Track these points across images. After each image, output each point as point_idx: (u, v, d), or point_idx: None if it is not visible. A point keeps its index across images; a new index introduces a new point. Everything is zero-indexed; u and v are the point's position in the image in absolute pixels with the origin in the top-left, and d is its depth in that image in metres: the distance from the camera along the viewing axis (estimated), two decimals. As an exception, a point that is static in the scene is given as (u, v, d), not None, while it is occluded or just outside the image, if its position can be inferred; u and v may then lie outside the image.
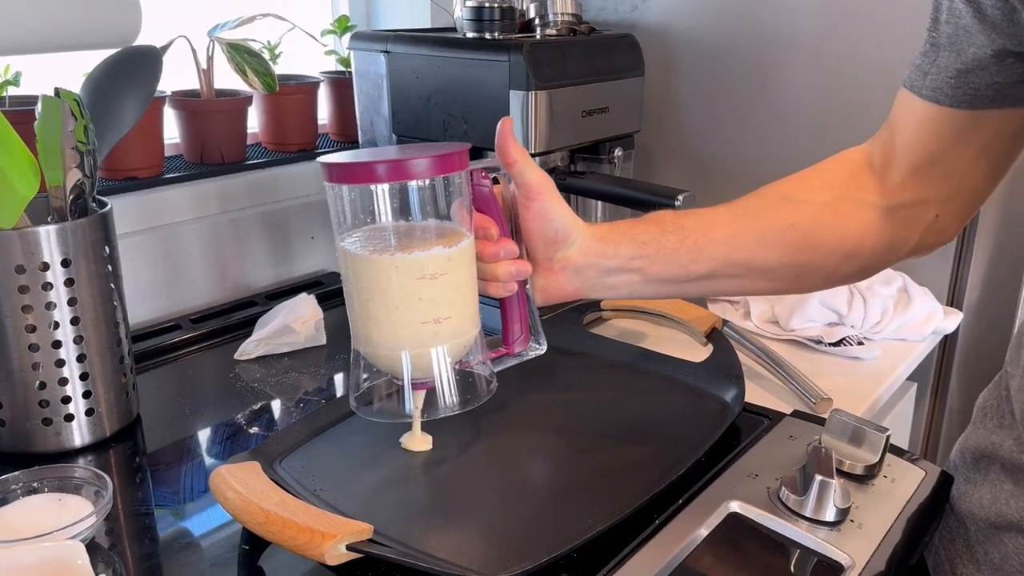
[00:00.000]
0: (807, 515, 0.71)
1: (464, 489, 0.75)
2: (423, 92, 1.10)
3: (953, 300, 1.26)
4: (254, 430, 0.87)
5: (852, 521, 0.71)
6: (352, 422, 0.84)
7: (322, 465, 0.77)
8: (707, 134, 1.36)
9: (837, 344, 1.09)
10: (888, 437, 0.77)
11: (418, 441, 0.79)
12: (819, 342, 1.09)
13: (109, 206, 0.83)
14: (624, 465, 0.77)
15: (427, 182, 0.67)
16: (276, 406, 0.92)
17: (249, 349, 1.01)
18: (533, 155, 1.03)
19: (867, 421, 0.79)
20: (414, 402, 0.72)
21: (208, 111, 1.19)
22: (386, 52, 1.12)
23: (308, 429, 0.82)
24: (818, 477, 0.71)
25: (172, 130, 1.21)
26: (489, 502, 0.73)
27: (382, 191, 0.67)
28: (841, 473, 0.76)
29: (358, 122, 1.21)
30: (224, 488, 0.66)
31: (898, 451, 0.80)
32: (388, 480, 0.76)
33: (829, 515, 0.71)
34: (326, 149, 1.33)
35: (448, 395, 0.70)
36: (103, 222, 0.81)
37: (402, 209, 0.68)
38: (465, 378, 0.73)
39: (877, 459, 0.76)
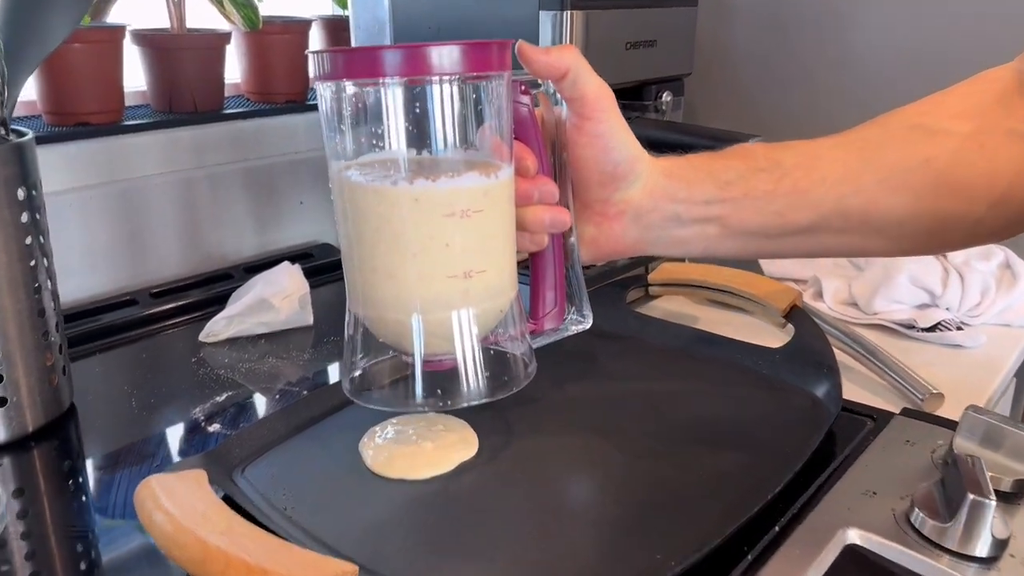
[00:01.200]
0: (952, 548, 0.52)
1: (487, 511, 0.56)
2: (433, 21, 0.91)
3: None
4: (214, 428, 0.68)
5: (1013, 556, 0.52)
6: (342, 417, 0.65)
7: (298, 475, 0.59)
8: (763, 86, 1.16)
9: (931, 329, 0.90)
10: (1050, 444, 0.58)
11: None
12: (911, 327, 0.90)
13: (30, 135, 0.64)
14: (696, 480, 0.59)
15: (454, 87, 0.49)
16: (246, 398, 0.73)
17: (217, 329, 0.82)
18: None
19: (1011, 420, 0.60)
20: (429, 387, 0.54)
21: (178, 48, 1.01)
22: (389, -26, 0.93)
23: (282, 427, 0.64)
24: (970, 496, 0.52)
25: (137, 76, 1.02)
26: (520, 529, 0.54)
27: (394, 92, 0.48)
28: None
29: (356, 63, 1.03)
30: (151, 508, 0.47)
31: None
32: (385, 498, 0.57)
33: (983, 548, 0.52)
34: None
35: (474, 377, 0.53)
36: (17, 155, 0.62)
37: (419, 125, 0.50)
38: (493, 358, 0.56)
39: (1036, 473, 0.57)
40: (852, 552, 0.53)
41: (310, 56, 0.50)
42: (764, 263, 1.04)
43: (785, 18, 1.14)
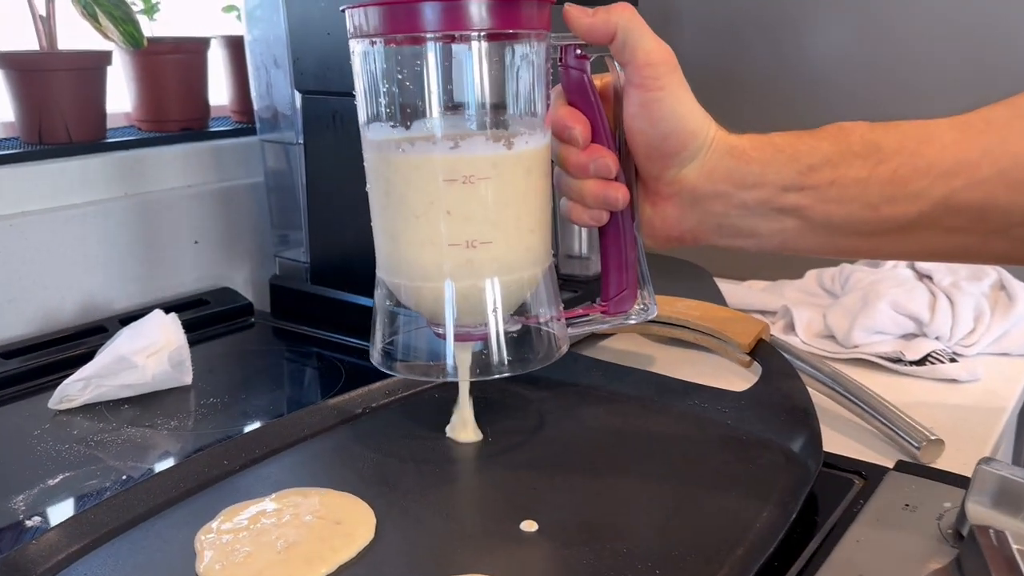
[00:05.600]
0: (979, 658, 0.39)
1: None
2: (331, 25, 0.79)
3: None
4: (33, 521, 0.53)
5: (1058, 666, 0.39)
6: (186, 508, 0.51)
7: (118, 586, 0.45)
8: (712, 95, 1.05)
9: (921, 362, 0.77)
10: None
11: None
12: (896, 360, 0.78)
13: None
14: (635, 568, 0.45)
15: (481, 44, 0.47)
16: (85, 481, 0.59)
17: (72, 393, 0.68)
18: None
19: (1034, 476, 0.48)
20: (458, 358, 0.53)
21: (47, 70, 0.87)
22: (281, -24, 0.82)
23: (110, 520, 0.49)
24: (999, 589, 0.39)
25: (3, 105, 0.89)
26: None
27: (414, 50, 0.48)
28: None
29: (251, 82, 0.90)
30: None
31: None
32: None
33: (1019, 656, 0.39)
34: (222, 128, 1.01)
35: (495, 350, 0.52)
36: None
37: (443, 86, 0.48)
38: (522, 333, 0.54)
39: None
40: (847, 667, 0.40)
41: (344, 11, 0.50)
42: (725, 290, 0.91)
43: (733, 23, 1.04)
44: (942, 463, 0.61)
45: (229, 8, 1.06)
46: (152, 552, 0.47)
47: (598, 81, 0.53)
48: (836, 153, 0.50)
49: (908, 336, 0.82)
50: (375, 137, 0.51)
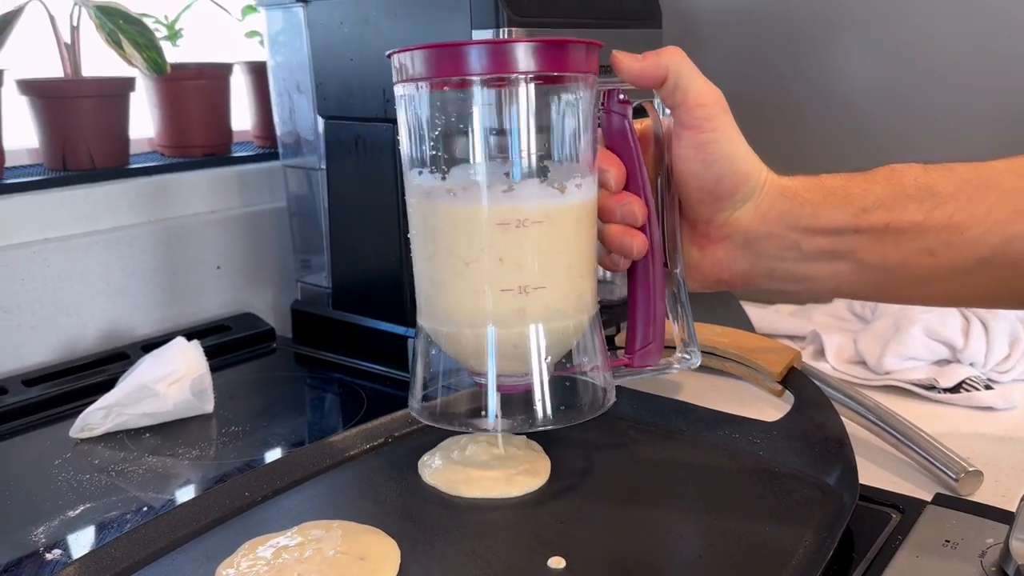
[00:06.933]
0: None
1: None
2: (354, 51, 0.79)
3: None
4: (54, 555, 0.53)
5: None
6: (206, 542, 0.50)
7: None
8: (738, 117, 1.04)
9: (955, 389, 0.75)
10: None
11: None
12: (930, 388, 0.76)
13: None
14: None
15: (530, 88, 0.47)
16: (106, 512, 0.58)
17: (93, 422, 0.68)
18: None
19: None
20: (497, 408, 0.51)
21: (71, 97, 0.88)
22: (304, 2, 0.81)
23: (131, 555, 0.48)
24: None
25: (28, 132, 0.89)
26: None
27: (465, 93, 0.47)
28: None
29: (274, 108, 0.90)
30: None
31: None
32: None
33: None
34: (245, 153, 1.01)
35: (541, 401, 0.50)
36: None
37: (491, 131, 0.48)
38: (565, 384, 0.53)
39: None
40: None
41: (389, 56, 0.50)
42: (753, 315, 0.90)
43: (761, 42, 1.03)
44: (981, 495, 0.59)
45: (252, 33, 1.07)
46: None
47: (636, 126, 0.53)
48: (890, 196, 0.49)
49: (941, 362, 0.80)
50: (422, 184, 0.50)
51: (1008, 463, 0.65)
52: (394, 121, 0.77)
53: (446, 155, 0.49)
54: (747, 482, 0.56)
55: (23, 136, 0.91)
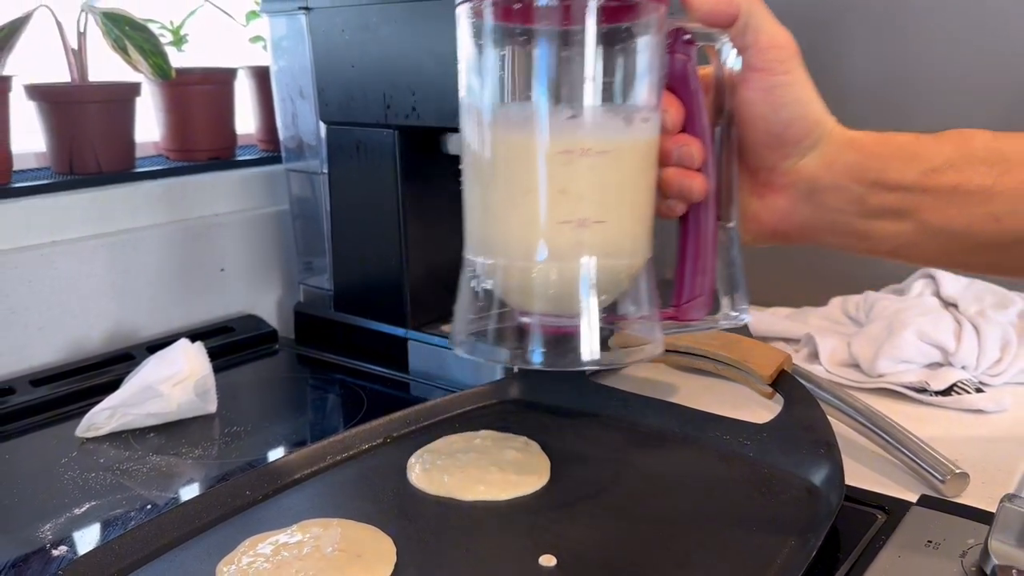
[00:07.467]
0: None
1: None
2: (355, 58, 0.80)
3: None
4: (60, 551, 0.54)
5: None
6: (207, 539, 0.51)
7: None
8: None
9: (946, 392, 0.77)
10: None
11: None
12: (922, 390, 0.77)
13: None
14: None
15: (599, 14, 0.44)
16: (111, 510, 0.59)
17: (99, 421, 0.69)
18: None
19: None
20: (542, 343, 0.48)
21: (77, 102, 0.89)
22: (306, 9, 0.83)
23: (135, 551, 0.50)
24: (1023, 633, 0.38)
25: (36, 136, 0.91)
26: None
27: (523, 18, 0.45)
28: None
29: (277, 112, 0.92)
30: None
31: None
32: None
33: None
34: (249, 157, 1.03)
35: (589, 338, 0.47)
36: None
37: (557, 62, 0.46)
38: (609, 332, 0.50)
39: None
40: None
41: None
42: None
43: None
44: (969, 497, 0.60)
45: (256, 38, 1.08)
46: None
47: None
48: (959, 157, 0.48)
49: (934, 366, 0.81)
50: (481, 111, 0.47)
51: (995, 465, 0.66)
52: (394, 127, 0.80)
53: (508, 81, 0.46)
54: (736, 482, 0.58)
55: (31, 140, 0.92)
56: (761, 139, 0.50)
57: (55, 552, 0.54)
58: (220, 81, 1.00)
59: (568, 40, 0.45)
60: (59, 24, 0.88)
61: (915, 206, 0.49)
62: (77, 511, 0.59)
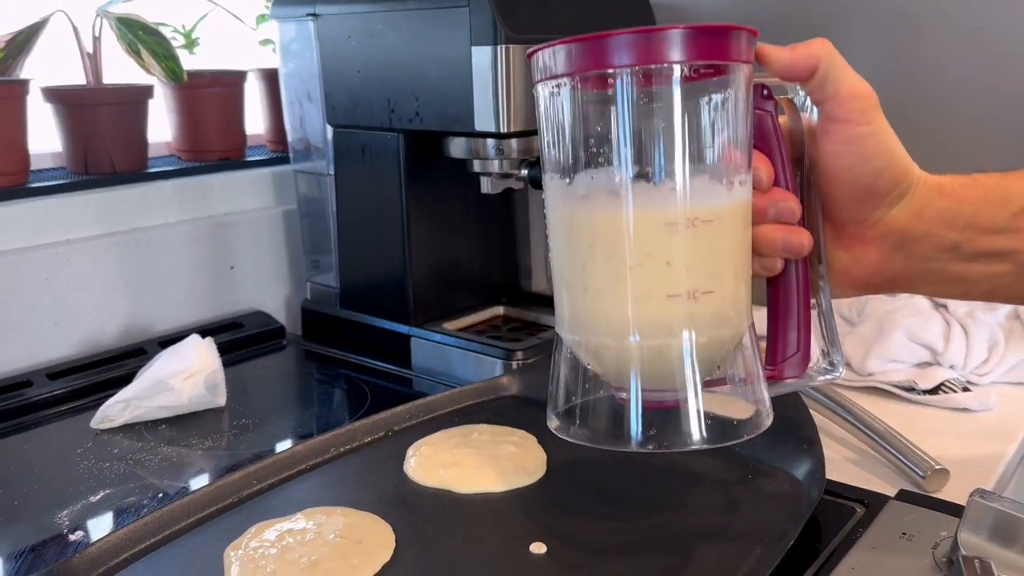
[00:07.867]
0: None
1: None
2: (361, 63, 0.83)
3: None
4: (76, 536, 0.57)
5: None
6: (217, 525, 0.54)
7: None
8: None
9: (934, 391, 0.79)
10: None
11: None
12: (910, 389, 0.79)
13: None
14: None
15: (691, 79, 0.42)
16: (124, 498, 0.62)
17: (112, 414, 0.72)
18: (504, 135, 0.75)
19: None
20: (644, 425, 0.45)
21: (92, 104, 0.92)
22: (314, 16, 0.85)
23: (147, 536, 0.53)
24: (983, 618, 0.41)
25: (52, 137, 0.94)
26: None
27: (619, 87, 0.42)
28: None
29: (285, 115, 0.94)
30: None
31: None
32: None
33: None
34: (258, 158, 1.05)
35: (696, 417, 0.44)
36: None
37: (647, 129, 0.43)
38: (719, 399, 0.48)
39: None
40: None
41: (528, 55, 0.46)
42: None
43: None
44: (949, 493, 0.62)
45: (266, 42, 1.11)
46: (184, 568, 0.51)
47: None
48: None
49: (922, 365, 0.83)
50: (574, 188, 0.45)
51: (977, 462, 0.68)
52: (399, 131, 0.83)
53: (600, 156, 0.44)
54: (720, 475, 0.60)
55: (47, 141, 0.95)
56: (848, 192, 0.49)
57: (72, 537, 0.57)
58: (230, 84, 1.03)
59: (662, 108, 0.43)
60: (75, 29, 0.91)
61: (1010, 247, 0.49)
62: (92, 499, 0.62)
